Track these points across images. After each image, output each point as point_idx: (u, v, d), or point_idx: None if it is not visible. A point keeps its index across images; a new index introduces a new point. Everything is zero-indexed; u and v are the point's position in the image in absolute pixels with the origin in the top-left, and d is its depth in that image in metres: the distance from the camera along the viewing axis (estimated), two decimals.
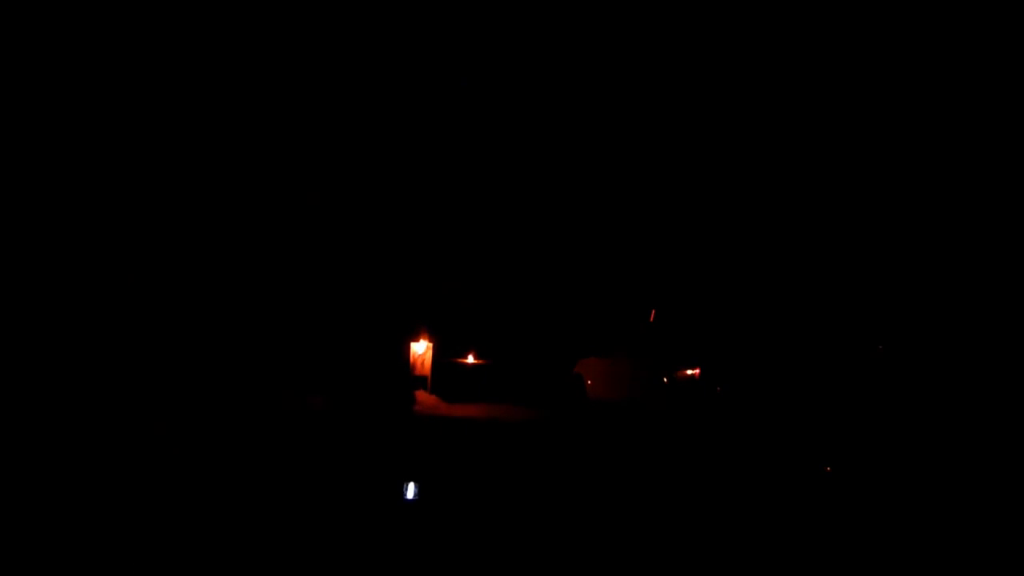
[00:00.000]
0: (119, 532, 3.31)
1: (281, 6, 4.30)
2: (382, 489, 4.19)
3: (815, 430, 4.98)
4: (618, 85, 5.22)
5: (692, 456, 5.44)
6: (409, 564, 3.16)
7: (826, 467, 4.51)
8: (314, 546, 3.28)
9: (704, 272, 6.77)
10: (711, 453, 5.39)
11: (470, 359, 9.59)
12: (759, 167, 5.81)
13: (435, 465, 4.99)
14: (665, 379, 5.86)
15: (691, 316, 6.47)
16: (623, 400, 6.64)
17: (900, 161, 5.17)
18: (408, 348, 8.61)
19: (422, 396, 8.39)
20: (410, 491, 4.10)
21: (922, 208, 5.08)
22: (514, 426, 6.89)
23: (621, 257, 7.65)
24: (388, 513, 3.83)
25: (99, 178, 4.80)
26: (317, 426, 6.14)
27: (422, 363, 8.89)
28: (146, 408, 5.56)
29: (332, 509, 3.77)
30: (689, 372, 5.61)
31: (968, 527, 3.75)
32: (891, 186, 5.34)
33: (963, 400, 4.59)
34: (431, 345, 8.86)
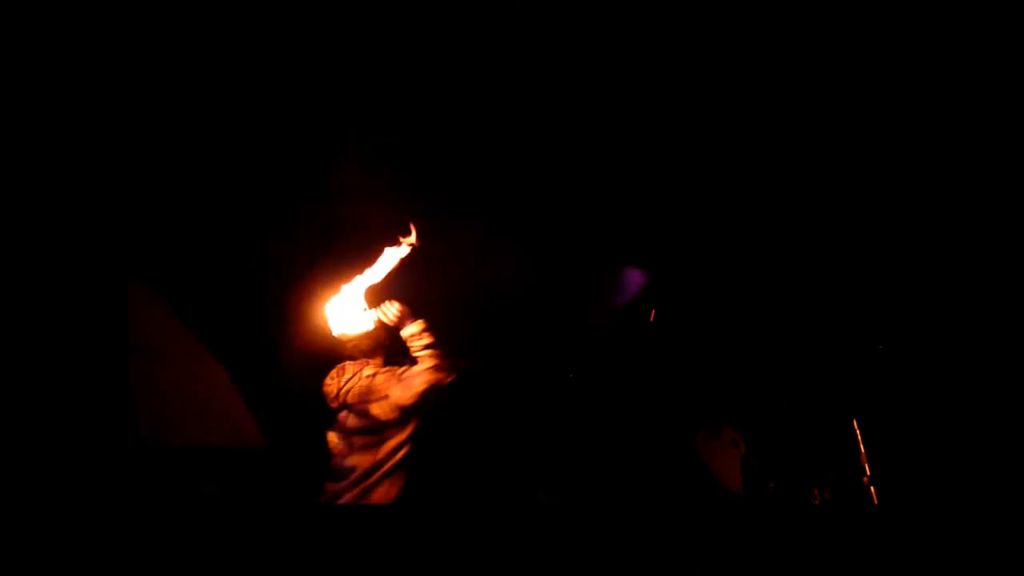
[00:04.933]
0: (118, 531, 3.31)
1: (254, 28, 4.23)
2: None
3: (815, 430, 5.01)
4: (603, 92, 5.22)
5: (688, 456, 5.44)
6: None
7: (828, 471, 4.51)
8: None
9: (702, 272, 6.78)
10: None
11: None
12: (758, 167, 5.85)
13: None
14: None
15: (689, 316, 6.47)
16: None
17: (899, 161, 5.20)
18: None
19: None
20: None
21: (921, 208, 5.11)
22: None
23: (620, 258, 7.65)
24: None
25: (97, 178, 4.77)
26: None
27: None
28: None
29: None
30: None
31: (968, 527, 3.76)
32: (891, 186, 5.37)
33: (964, 400, 4.62)
34: None
